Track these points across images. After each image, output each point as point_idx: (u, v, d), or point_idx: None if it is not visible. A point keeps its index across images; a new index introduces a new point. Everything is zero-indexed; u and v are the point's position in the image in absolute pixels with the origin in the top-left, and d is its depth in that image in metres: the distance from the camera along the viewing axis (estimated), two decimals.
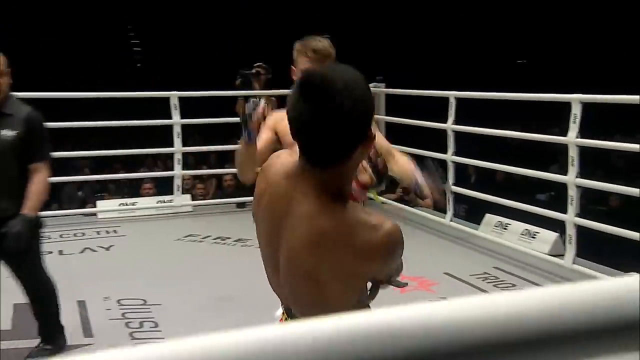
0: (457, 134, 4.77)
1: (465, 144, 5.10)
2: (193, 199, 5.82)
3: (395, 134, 5.74)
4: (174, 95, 5.32)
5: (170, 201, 5.48)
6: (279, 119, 1.95)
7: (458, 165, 4.88)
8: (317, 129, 1.05)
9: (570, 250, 3.72)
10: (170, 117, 5.30)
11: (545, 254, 3.98)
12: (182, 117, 5.36)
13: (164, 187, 5.89)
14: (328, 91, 1.04)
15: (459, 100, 4.70)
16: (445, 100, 4.78)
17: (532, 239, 4.17)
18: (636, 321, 0.50)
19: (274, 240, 1.19)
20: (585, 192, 5.38)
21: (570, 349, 0.50)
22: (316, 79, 1.06)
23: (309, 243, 1.09)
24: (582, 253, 3.76)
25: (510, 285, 3.64)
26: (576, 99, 3.68)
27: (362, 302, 1.15)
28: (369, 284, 1.21)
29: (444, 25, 12.17)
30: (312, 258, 1.09)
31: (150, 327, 3.05)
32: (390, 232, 1.06)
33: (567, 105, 3.73)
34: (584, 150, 3.73)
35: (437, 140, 4.92)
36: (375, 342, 0.46)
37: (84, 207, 6.29)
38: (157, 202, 5.52)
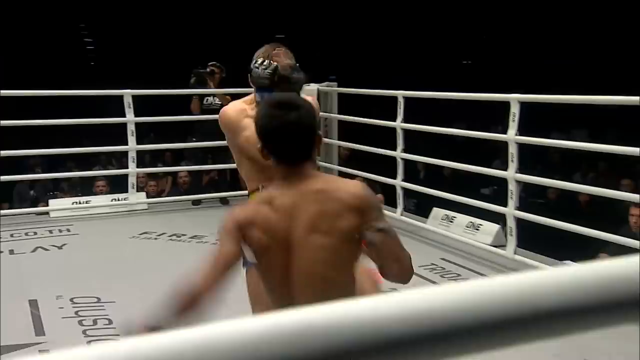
0: (407, 132, 4.87)
1: (416, 141, 5.22)
2: (148, 196, 5.74)
3: (348, 132, 5.81)
4: (127, 94, 5.24)
5: (125, 199, 5.38)
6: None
7: (408, 162, 4.98)
8: (301, 131, 1.43)
9: (512, 241, 3.85)
10: (124, 116, 5.24)
11: (488, 245, 4.11)
12: (137, 115, 5.28)
13: (118, 185, 5.79)
14: (301, 106, 1.45)
15: (409, 99, 4.80)
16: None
17: (476, 231, 4.29)
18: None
19: (285, 245, 1.42)
20: (526, 186, 5.58)
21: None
22: (292, 98, 1.48)
23: (326, 212, 1.41)
24: (523, 244, 3.90)
25: (456, 275, 3.75)
26: (515, 99, 3.81)
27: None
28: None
29: (394, 27, 12.33)
30: (343, 220, 1.40)
31: (104, 325, 3.00)
32: (364, 186, 1.47)
33: (508, 105, 3.86)
34: (524, 147, 3.87)
35: (387, 138, 5.00)
36: (286, 342, 0.46)
37: (36, 206, 6.11)
38: (112, 200, 5.41)
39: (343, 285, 1.41)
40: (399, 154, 4.86)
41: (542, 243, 4.04)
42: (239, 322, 0.47)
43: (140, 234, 4.62)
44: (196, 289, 1.37)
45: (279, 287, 1.46)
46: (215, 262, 1.42)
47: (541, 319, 0.53)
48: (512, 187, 3.84)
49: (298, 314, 0.48)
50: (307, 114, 1.44)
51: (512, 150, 3.81)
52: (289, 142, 1.43)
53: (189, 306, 1.35)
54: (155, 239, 4.54)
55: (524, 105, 3.78)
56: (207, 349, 0.45)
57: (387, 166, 5.03)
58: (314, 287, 1.41)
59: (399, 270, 1.40)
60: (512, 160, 3.82)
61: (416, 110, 4.97)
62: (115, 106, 5.36)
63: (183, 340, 0.45)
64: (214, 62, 5.76)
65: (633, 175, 6.14)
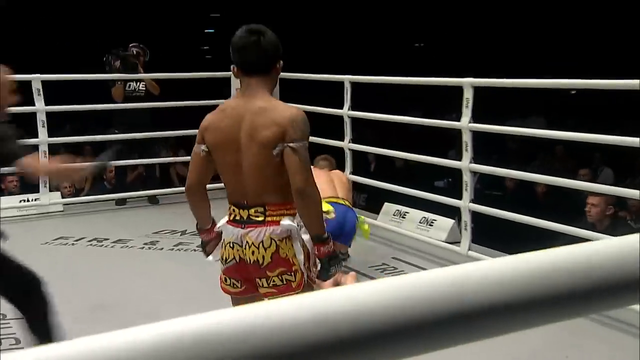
0: (355, 121, 4.88)
1: (365, 131, 5.26)
2: (63, 196, 5.55)
3: None
4: (36, 79, 5.03)
5: (36, 199, 5.19)
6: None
7: (357, 153, 5.01)
8: (257, 49, 2.06)
9: (466, 236, 3.93)
10: (33, 104, 5.00)
11: (443, 241, 4.19)
12: (48, 103, 5.09)
13: (28, 185, 5.57)
14: (261, 31, 2.10)
15: (357, 85, 4.81)
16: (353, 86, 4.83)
17: (429, 227, 4.37)
18: None
19: (234, 145, 2.06)
20: (482, 177, 5.71)
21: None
22: (256, 26, 2.10)
23: (265, 123, 2.02)
24: (479, 239, 3.99)
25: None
26: (467, 83, 3.85)
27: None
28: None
29: (340, 8, 12.32)
30: (268, 131, 2.01)
31: (10, 345, 2.88)
32: (300, 114, 2.07)
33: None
34: (480, 136, 3.95)
35: (334, 128, 5.01)
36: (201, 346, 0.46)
37: None
38: (20, 202, 5.20)
39: (273, 181, 2.04)
40: (346, 144, 4.88)
41: (499, 237, 4.16)
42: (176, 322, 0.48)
43: (55, 240, 4.46)
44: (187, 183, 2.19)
45: (232, 178, 2.09)
46: (191, 163, 2.18)
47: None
48: (466, 179, 3.92)
49: (237, 314, 0.49)
50: (267, 40, 2.07)
51: (466, 138, 3.87)
52: (246, 55, 2.06)
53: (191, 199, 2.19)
54: (73, 244, 4.39)
55: (479, 90, 3.84)
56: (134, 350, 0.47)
57: (334, 158, 5.06)
58: (255, 179, 2.05)
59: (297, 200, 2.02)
60: (466, 150, 3.89)
61: (365, 97, 4.99)
62: (24, 94, 5.15)
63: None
64: (136, 44, 5.59)
65: (590, 163, 6.37)
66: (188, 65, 7.81)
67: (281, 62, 2.13)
